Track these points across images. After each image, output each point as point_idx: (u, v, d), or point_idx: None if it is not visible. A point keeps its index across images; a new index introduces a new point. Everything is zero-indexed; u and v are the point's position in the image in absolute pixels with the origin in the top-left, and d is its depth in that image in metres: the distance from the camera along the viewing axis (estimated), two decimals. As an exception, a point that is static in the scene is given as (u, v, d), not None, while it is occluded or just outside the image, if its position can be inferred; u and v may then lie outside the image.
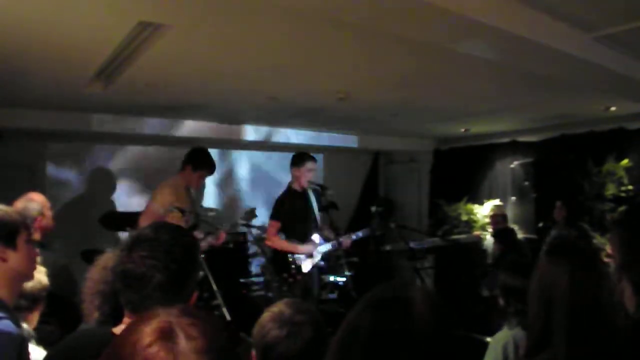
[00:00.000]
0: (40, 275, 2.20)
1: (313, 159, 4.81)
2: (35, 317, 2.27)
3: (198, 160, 4.45)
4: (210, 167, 4.53)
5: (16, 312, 1.79)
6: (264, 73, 4.09)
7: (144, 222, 3.96)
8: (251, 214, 4.61)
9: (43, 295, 2.24)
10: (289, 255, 4.67)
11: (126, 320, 1.40)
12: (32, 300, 2.15)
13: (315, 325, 1.68)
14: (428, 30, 2.88)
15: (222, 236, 4.46)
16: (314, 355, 1.62)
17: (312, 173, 4.77)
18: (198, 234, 4.24)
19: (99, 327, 1.74)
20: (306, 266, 4.67)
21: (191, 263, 1.44)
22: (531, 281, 1.66)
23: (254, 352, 1.68)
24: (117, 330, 1.37)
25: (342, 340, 1.05)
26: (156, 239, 1.40)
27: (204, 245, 4.30)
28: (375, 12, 2.59)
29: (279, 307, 1.72)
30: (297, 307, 1.72)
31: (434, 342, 0.99)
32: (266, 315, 1.70)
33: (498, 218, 6.31)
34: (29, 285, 2.01)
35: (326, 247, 4.79)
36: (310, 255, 4.72)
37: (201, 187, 6.26)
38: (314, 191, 4.88)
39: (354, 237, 4.87)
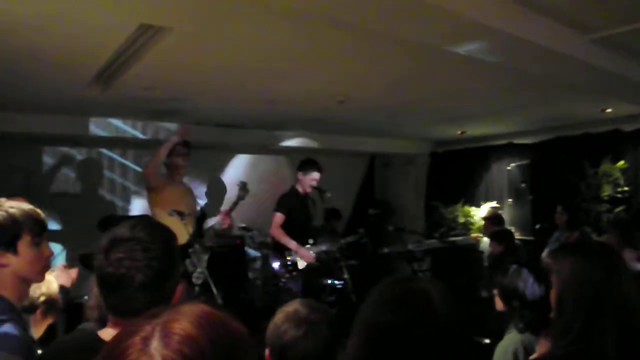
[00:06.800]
0: (44, 283, 2.15)
1: (319, 170, 4.93)
2: (40, 324, 2.22)
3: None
4: (188, 145, 4.76)
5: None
6: (264, 76, 4.10)
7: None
8: (244, 188, 4.53)
9: (45, 302, 2.21)
10: (287, 252, 4.76)
11: (110, 324, 1.35)
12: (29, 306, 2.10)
13: (331, 324, 1.66)
14: (427, 31, 2.88)
15: (227, 220, 4.54)
16: (331, 354, 1.62)
17: (315, 182, 4.91)
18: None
19: (95, 326, 1.72)
20: (302, 264, 4.76)
21: (171, 258, 1.37)
22: (561, 281, 1.58)
23: (268, 353, 1.65)
24: (103, 334, 1.33)
25: (367, 339, 1.04)
26: (133, 238, 1.32)
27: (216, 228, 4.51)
28: (374, 12, 2.59)
29: (293, 307, 1.69)
30: (311, 306, 1.70)
31: (451, 333, 1.01)
32: (280, 316, 1.67)
33: (486, 222, 6.21)
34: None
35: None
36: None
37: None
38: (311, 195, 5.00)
39: (315, 250, 4.91)
